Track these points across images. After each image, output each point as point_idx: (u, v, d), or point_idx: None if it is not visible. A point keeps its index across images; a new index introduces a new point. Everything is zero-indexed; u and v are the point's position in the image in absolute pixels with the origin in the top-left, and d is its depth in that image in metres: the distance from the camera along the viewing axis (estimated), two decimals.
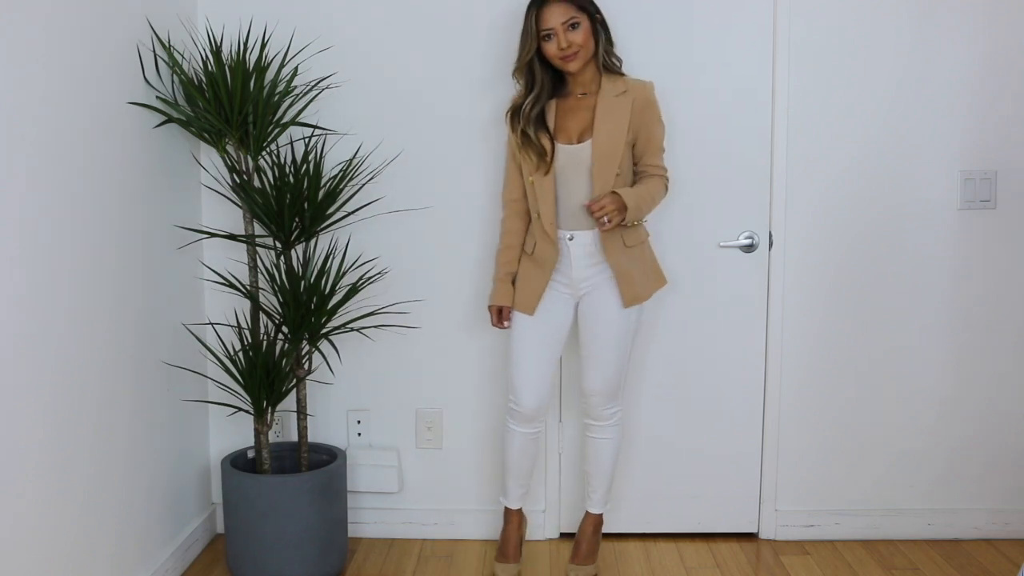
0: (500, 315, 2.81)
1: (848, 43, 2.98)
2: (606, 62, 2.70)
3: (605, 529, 3.17)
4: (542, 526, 3.17)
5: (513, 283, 2.79)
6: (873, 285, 3.07)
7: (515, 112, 2.70)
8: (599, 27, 2.66)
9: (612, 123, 2.65)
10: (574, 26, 2.59)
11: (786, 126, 3.00)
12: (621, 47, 2.99)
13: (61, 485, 2.20)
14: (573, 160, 2.66)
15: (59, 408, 2.19)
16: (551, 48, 2.61)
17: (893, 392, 3.11)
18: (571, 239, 2.70)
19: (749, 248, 3.05)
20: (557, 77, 2.70)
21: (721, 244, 3.05)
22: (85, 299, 2.30)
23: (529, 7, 2.64)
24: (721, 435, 3.13)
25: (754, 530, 3.18)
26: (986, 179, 3.02)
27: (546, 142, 2.65)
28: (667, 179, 2.78)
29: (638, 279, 2.72)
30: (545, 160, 2.65)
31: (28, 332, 2.05)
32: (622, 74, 2.73)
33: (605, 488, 2.90)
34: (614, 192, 2.61)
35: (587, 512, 2.94)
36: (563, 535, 3.19)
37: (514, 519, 2.93)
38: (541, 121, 2.67)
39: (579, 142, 2.67)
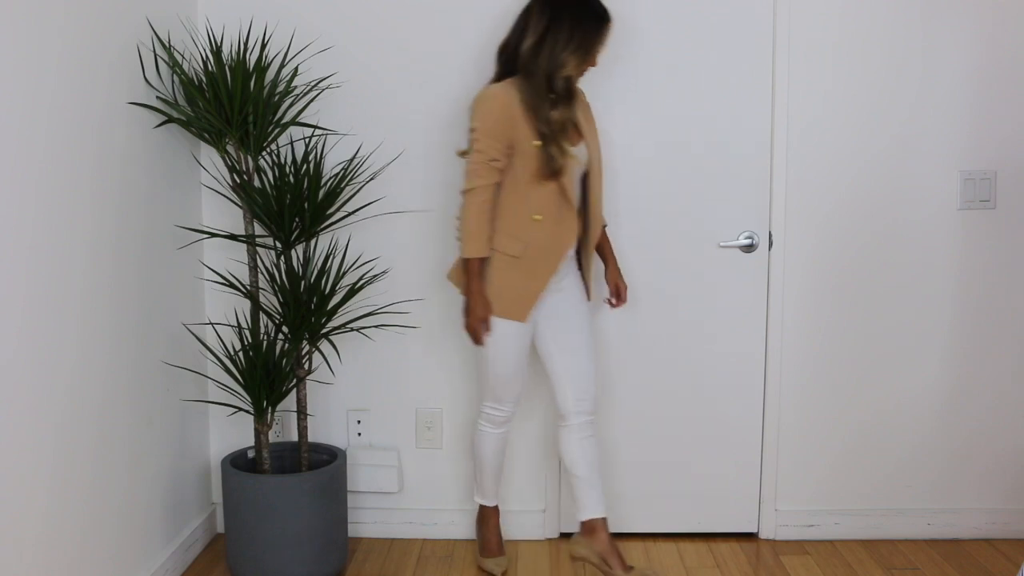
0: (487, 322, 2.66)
1: (848, 43, 2.98)
2: None
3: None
4: (542, 526, 3.17)
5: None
6: (873, 285, 3.07)
7: (538, 111, 2.58)
8: None
9: (592, 130, 2.72)
10: None
11: (786, 126, 3.00)
12: (622, 46, 2.99)
13: (61, 485, 2.20)
14: (576, 163, 2.66)
15: (59, 408, 2.19)
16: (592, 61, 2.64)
17: (893, 392, 3.12)
18: None
19: (749, 248, 3.05)
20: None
21: (721, 244, 3.05)
22: (85, 299, 2.30)
23: (601, 21, 2.60)
24: (721, 435, 3.13)
25: (754, 530, 3.18)
26: (986, 179, 3.03)
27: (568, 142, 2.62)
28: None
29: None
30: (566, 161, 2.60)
31: (28, 332, 2.05)
32: None
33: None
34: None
35: (604, 518, 2.75)
36: (563, 535, 3.19)
37: (494, 515, 2.96)
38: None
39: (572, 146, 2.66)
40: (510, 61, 2.64)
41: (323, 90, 2.94)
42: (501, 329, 2.65)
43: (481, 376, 2.77)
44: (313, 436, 3.12)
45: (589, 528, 2.76)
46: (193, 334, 2.90)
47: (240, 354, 2.74)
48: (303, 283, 2.75)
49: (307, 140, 2.85)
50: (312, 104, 2.92)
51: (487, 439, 2.84)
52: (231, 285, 2.80)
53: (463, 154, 2.67)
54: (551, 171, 2.57)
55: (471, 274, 2.61)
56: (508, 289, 2.63)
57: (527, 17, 2.62)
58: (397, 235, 3.05)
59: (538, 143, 2.56)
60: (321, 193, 2.75)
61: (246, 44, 2.71)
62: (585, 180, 2.72)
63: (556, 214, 2.63)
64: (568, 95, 2.62)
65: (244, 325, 2.83)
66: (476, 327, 2.63)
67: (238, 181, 2.75)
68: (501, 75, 2.67)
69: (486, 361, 2.71)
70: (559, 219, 2.64)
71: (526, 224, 2.61)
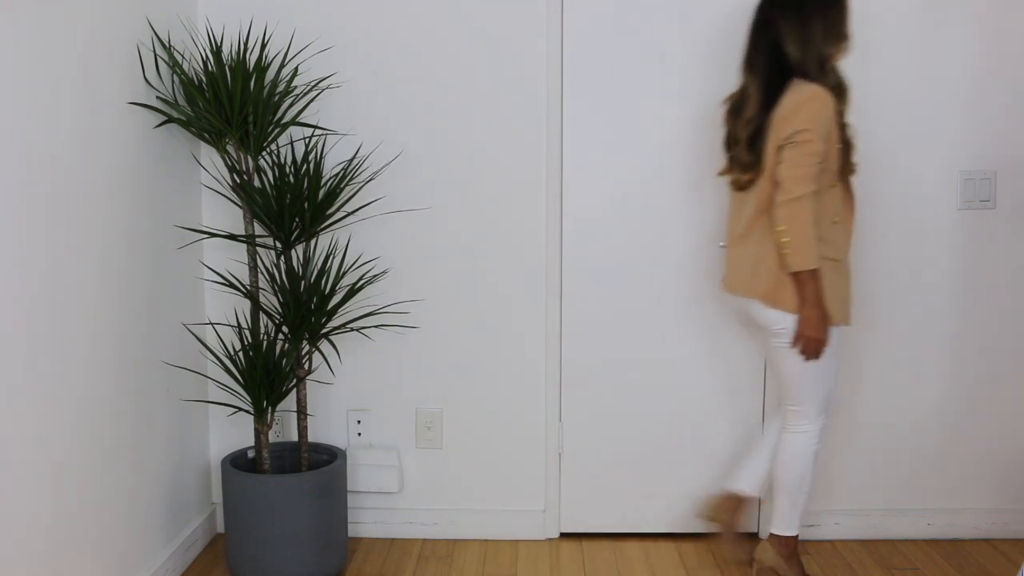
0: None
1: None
2: None
3: (605, 529, 3.17)
4: (542, 526, 3.17)
5: None
6: (873, 285, 3.07)
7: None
8: None
9: None
10: None
11: None
12: (623, 50, 2.99)
13: (62, 485, 2.20)
14: None
15: (59, 407, 2.19)
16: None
17: (893, 392, 3.12)
18: None
19: None
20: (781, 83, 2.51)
21: (721, 244, 3.05)
22: (85, 299, 2.30)
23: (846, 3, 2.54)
24: (721, 435, 3.13)
25: (754, 530, 3.18)
26: (986, 179, 3.03)
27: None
28: None
29: None
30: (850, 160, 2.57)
31: (28, 332, 2.06)
32: None
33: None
34: None
35: (796, 536, 2.73)
36: (563, 535, 3.19)
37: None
38: None
39: None
40: (774, 73, 2.50)
41: (323, 90, 2.95)
42: (835, 337, 2.56)
43: (810, 392, 2.60)
44: (313, 436, 3.13)
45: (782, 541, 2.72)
46: (193, 334, 2.90)
47: (240, 354, 2.74)
48: (303, 283, 2.75)
49: (307, 140, 2.86)
50: (312, 104, 2.92)
51: (814, 455, 2.66)
52: (231, 285, 2.80)
53: (729, 173, 2.62)
54: (851, 170, 2.57)
55: (809, 285, 2.44)
56: (839, 295, 2.53)
57: (770, 25, 2.52)
58: (397, 235, 3.05)
59: (840, 145, 2.50)
60: (321, 193, 2.75)
61: (246, 44, 2.71)
62: None
63: (846, 216, 2.58)
64: (841, 88, 2.56)
65: (244, 325, 2.83)
66: (823, 341, 2.48)
67: (238, 181, 2.75)
68: (764, 89, 2.51)
69: (818, 374, 2.56)
70: (847, 221, 2.58)
71: (829, 228, 2.51)
